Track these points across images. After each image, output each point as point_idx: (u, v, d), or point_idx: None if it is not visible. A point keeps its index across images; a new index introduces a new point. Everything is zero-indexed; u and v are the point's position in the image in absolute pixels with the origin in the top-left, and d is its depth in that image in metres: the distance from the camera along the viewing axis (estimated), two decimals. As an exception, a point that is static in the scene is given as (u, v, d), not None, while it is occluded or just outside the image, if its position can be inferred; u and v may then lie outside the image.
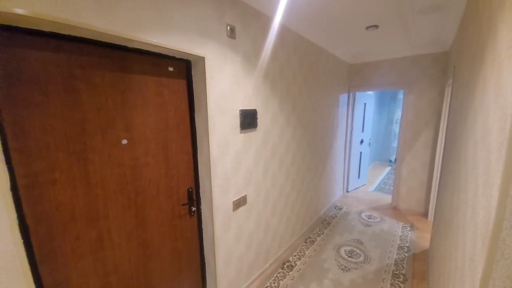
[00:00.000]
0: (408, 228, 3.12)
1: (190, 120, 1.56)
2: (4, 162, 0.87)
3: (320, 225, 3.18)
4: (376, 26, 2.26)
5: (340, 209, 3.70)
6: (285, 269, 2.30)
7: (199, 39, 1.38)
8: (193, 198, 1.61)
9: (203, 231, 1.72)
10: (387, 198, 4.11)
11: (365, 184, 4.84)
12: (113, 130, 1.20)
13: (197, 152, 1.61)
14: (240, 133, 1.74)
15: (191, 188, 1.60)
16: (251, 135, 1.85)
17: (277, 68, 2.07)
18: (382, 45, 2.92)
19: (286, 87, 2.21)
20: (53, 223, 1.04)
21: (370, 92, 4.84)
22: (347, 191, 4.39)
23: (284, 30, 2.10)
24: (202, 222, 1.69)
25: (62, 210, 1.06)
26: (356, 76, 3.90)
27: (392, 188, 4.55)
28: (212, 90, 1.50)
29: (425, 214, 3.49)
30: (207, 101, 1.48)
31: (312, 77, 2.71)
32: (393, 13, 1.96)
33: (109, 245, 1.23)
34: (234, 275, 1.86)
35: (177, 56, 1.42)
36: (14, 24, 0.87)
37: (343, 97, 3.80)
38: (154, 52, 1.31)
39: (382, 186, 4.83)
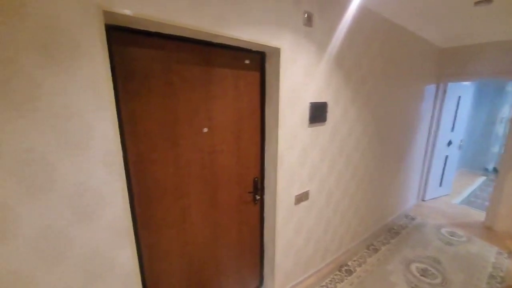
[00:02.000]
0: (506, 256, 2.48)
1: (260, 112, 1.60)
2: (120, 142, 1.08)
3: (387, 233, 2.85)
4: (488, 1, 1.77)
5: (413, 219, 3.22)
6: (342, 272, 2.19)
7: (275, 30, 1.37)
8: (258, 188, 1.67)
9: (265, 220, 1.78)
10: (478, 215, 3.34)
11: (448, 195, 4.05)
12: (197, 119, 1.33)
13: (264, 144, 1.64)
14: (308, 127, 1.68)
15: (257, 177, 1.66)
16: (319, 129, 1.77)
17: (353, 55, 1.88)
18: (492, 24, 2.27)
19: (361, 78, 2.00)
20: (150, 196, 1.26)
21: (467, 83, 3.90)
22: (423, 200, 3.78)
23: (365, 12, 1.87)
24: (265, 211, 1.75)
25: (157, 186, 1.27)
26: (449, 63, 3.20)
27: (487, 203, 3.69)
28: (285, 82, 1.48)
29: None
30: (279, 93, 1.47)
31: (394, 65, 2.36)
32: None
33: (189, 220, 1.42)
34: (291, 266, 1.88)
35: (253, 49, 1.45)
36: (127, 25, 1.05)
37: (430, 89, 3.19)
38: (233, 46, 1.37)
39: (472, 199, 3.94)
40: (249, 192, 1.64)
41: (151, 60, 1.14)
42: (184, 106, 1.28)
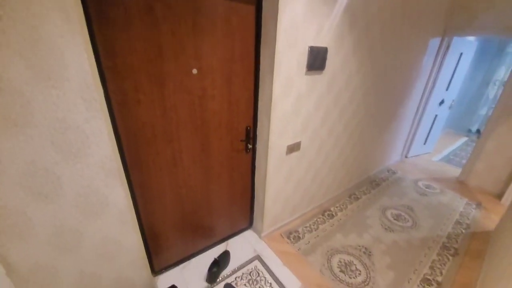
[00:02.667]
0: (474, 206, 2.77)
1: (255, 54, 1.47)
2: (98, 76, 0.97)
3: (368, 184, 3.06)
4: None
5: (394, 173, 3.43)
6: (325, 216, 2.39)
7: (277, -51, 1.15)
8: (250, 136, 1.65)
9: (256, 169, 1.82)
10: (454, 171, 3.59)
11: (429, 153, 4.27)
12: (185, 57, 1.21)
13: (258, 90, 1.56)
14: (306, 74, 1.58)
15: (249, 126, 1.63)
16: (317, 78, 1.67)
17: (361, -6, 1.66)
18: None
19: (365, 24, 1.82)
20: (139, 138, 1.22)
21: (471, 39, 3.70)
22: (406, 157, 3.97)
23: None
24: (256, 160, 1.78)
25: (145, 128, 1.21)
26: (459, 14, 2.95)
27: (464, 161, 3.93)
28: (283, 18, 1.32)
29: (499, 196, 2.99)
30: (276, 32, 1.32)
31: (402, 13, 2.15)
32: None
33: (180, 164, 1.42)
34: (279, 211, 2.02)
35: (249, -26, 1.24)
36: None
37: (433, 43, 3.02)
38: (226, -33, 1.16)
39: (452, 157, 4.19)
40: (241, 141, 1.63)
41: (126, -24, 0.95)
42: (169, 40, 1.13)
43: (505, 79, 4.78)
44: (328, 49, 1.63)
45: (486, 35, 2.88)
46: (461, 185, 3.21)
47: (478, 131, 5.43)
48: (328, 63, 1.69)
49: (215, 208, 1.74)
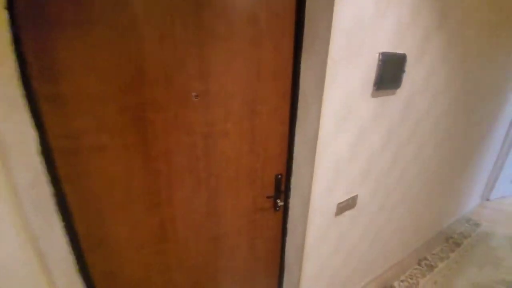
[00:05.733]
0: None
1: (293, 69, 0.96)
2: (30, 115, 0.55)
3: (443, 243, 2.21)
4: None
5: (477, 225, 2.50)
6: (387, 296, 1.65)
7: None
8: (280, 189, 1.10)
9: (288, 234, 1.23)
10: None
11: (520, 193, 3.18)
12: (182, 76, 0.75)
13: (296, 123, 1.02)
14: (372, 96, 1.01)
15: (280, 174, 1.08)
16: (388, 100, 1.09)
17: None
18: None
19: (461, 16, 1.21)
20: (103, 205, 0.75)
21: None
22: (488, 199, 2.98)
23: None
24: (289, 221, 1.20)
25: (114, 189, 0.75)
26: None
27: None
28: (343, 12, 0.80)
29: None
30: (331, 32, 0.80)
31: (507, 13, 1.49)
32: None
33: (173, 237, 0.91)
34: (321, 293, 1.37)
35: None
36: None
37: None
38: None
39: (557, 202, 3.03)
40: (268, 197, 1.08)
41: None
42: (156, 48, 0.69)
43: None
44: (407, 56, 1.05)
45: None
46: None
47: None
48: (405, 77, 1.10)
49: (228, 292, 1.18)
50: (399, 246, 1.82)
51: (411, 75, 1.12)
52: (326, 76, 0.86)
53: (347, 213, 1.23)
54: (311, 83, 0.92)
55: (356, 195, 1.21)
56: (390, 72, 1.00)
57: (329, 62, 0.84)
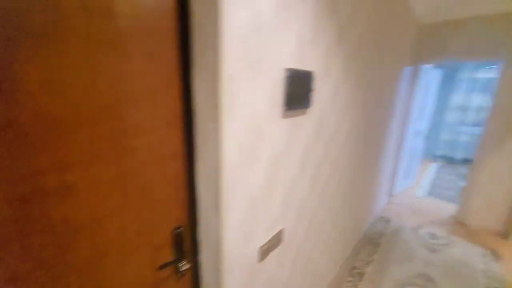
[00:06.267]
0: (491, 257, 2.24)
1: (183, 86, 0.71)
2: None
3: (367, 246, 2.36)
4: None
5: (388, 221, 2.84)
6: (327, 324, 1.54)
7: None
8: (182, 248, 0.81)
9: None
10: (447, 207, 3.19)
11: (411, 186, 3.89)
12: None
13: (193, 156, 0.77)
14: (283, 117, 0.88)
15: (180, 227, 0.79)
16: (300, 121, 0.98)
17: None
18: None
19: (358, 37, 1.27)
20: None
21: (435, 68, 3.65)
22: (391, 195, 3.49)
23: None
24: (203, 285, 0.91)
25: None
26: (428, 42, 2.80)
27: (449, 192, 3.61)
28: (235, 15, 0.62)
29: (504, 235, 2.57)
30: (223, 38, 0.61)
31: (384, 31, 1.73)
32: None
33: None
34: None
35: None
36: None
37: (405, 73, 2.76)
38: None
39: (434, 190, 3.85)
40: (164, 266, 0.76)
41: None
42: None
43: (466, 104, 4.95)
44: (314, 73, 0.98)
45: (457, 60, 2.73)
46: (463, 228, 2.74)
47: (442, 156, 5.44)
48: (315, 95, 1.03)
49: None
50: (331, 263, 1.78)
51: (320, 93, 1.06)
52: (223, 95, 0.65)
53: (274, 252, 1.04)
54: (207, 104, 0.70)
55: (281, 229, 1.04)
56: (299, 91, 0.89)
57: (225, 77, 0.64)
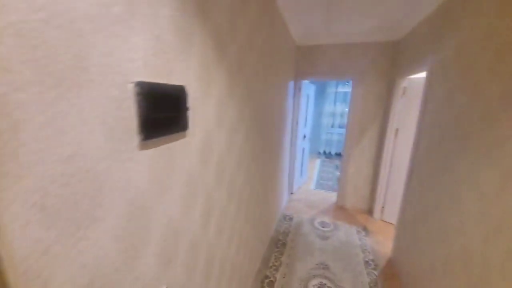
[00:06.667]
0: (363, 234, 2.85)
1: None
2: None
3: (275, 249, 2.44)
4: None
5: (291, 219, 3.11)
6: None
7: None
8: None
9: None
10: (331, 196, 3.88)
11: (306, 182, 4.54)
12: None
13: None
14: (141, 149, 0.64)
15: None
16: (175, 148, 0.78)
17: (226, 8, 1.03)
18: (337, 24, 2.36)
19: (238, 54, 1.22)
20: None
21: (308, 82, 4.44)
22: (291, 193, 3.91)
23: None
24: None
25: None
26: (304, 61, 3.31)
27: (331, 183, 4.43)
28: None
29: (369, 212, 3.38)
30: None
31: (269, 48, 1.82)
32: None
33: None
34: None
35: None
36: None
37: (290, 86, 3.15)
38: None
39: (321, 182, 4.65)
40: None
41: None
42: None
43: (334, 111, 6.29)
44: (188, 89, 0.80)
45: (324, 78, 3.36)
46: (342, 211, 3.39)
47: (324, 152, 6.77)
48: (195, 116, 0.85)
49: None
50: (245, 280, 1.67)
51: (201, 113, 0.90)
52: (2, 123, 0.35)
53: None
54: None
55: (165, 290, 0.79)
56: (164, 111, 0.68)
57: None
